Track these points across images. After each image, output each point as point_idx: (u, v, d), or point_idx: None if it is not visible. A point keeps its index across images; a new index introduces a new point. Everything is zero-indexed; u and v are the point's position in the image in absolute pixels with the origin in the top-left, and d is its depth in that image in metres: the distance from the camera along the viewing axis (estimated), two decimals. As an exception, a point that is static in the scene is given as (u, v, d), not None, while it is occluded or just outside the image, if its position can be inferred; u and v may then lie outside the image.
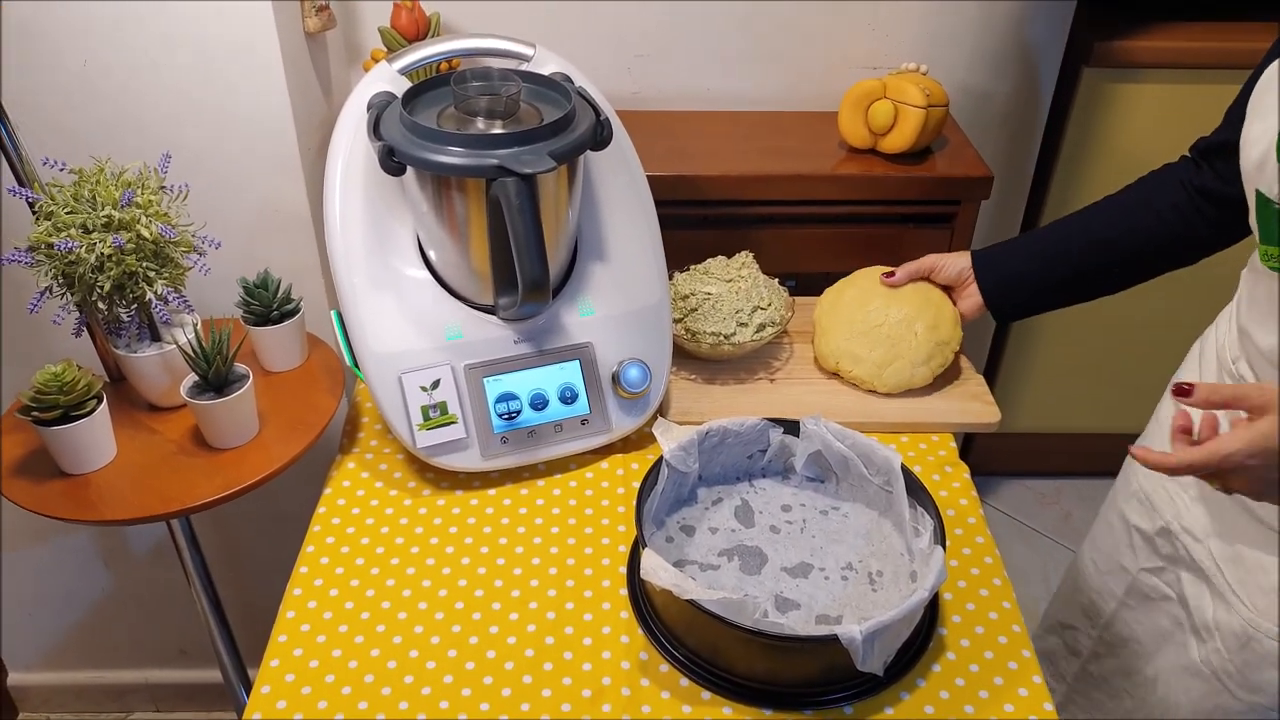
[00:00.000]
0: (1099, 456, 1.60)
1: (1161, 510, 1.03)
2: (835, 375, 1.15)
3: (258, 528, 1.54)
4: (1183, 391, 0.75)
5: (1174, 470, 0.76)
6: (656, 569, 0.82)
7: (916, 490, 0.94)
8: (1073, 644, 1.20)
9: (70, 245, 0.91)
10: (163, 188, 0.99)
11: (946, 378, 1.18)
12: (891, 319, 1.13)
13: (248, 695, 0.85)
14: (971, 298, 1.12)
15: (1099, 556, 1.15)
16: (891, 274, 1.09)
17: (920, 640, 0.88)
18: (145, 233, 0.94)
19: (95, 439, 0.99)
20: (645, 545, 0.86)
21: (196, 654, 1.72)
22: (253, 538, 1.56)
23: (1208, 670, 0.97)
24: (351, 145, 1.01)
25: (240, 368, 1.03)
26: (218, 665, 1.34)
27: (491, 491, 1.04)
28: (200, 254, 1.03)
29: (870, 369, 1.12)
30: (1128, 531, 1.09)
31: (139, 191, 0.95)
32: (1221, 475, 0.75)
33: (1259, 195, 0.80)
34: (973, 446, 2.16)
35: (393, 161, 0.93)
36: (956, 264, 1.10)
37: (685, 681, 0.85)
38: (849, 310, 1.16)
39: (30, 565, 1.57)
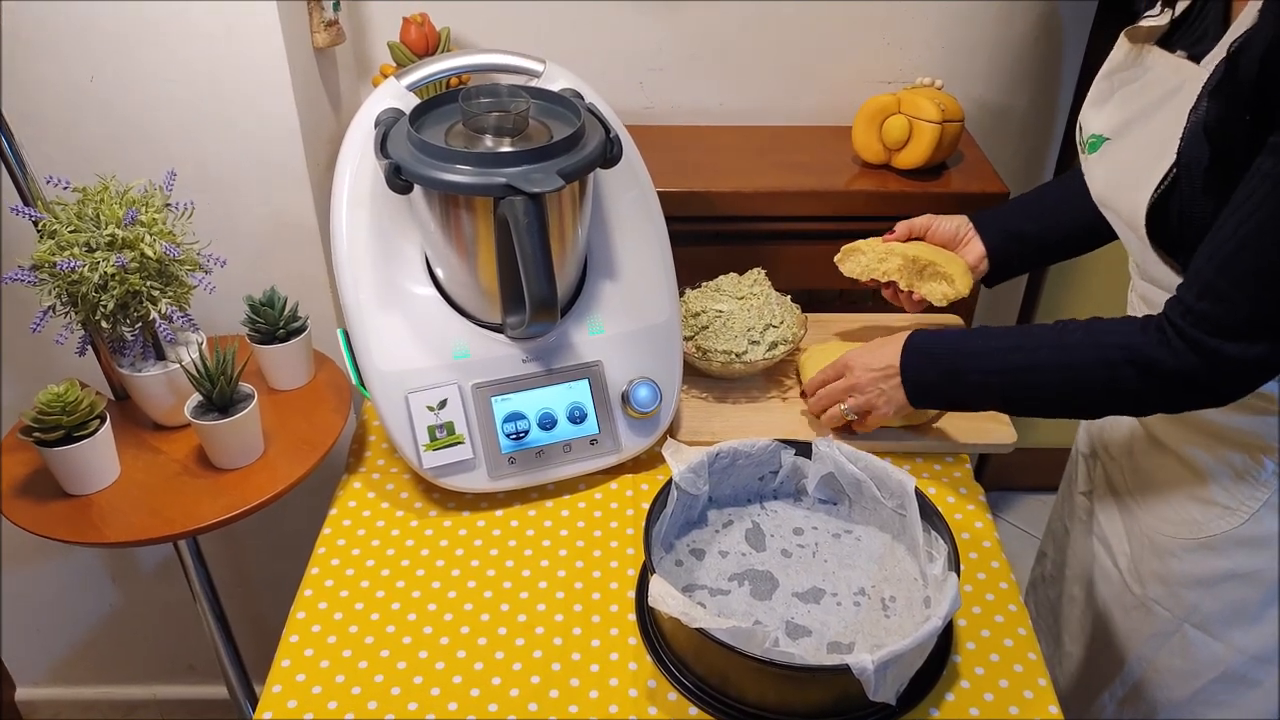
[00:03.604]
0: (1038, 470, 1.56)
1: (1095, 434, 1.14)
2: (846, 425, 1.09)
3: (265, 545, 1.53)
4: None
5: (812, 390, 1.07)
6: (664, 596, 0.81)
7: (930, 514, 0.92)
8: (1045, 571, 1.26)
9: (73, 264, 0.91)
10: (168, 205, 0.99)
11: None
12: None
13: (255, 712, 0.83)
14: (971, 250, 1.13)
15: (1064, 486, 1.24)
16: (892, 230, 1.12)
17: (934, 668, 0.86)
18: (149, 251, 0.93)
19: (98, 460, 0.98)
20: (653, 571, 0.84)
21: (205, 670, 1.71)
22: (260, 555, 1.55)
23: (1115, 573, 1.05)
24: (359, 162, 1.00)
25: (245, 387, 1.02)
26: (224, 682, 1.33)
27: (499, 512, 1.03)
28: (206, 272, 1.03)
29: None
30: (1076, 459, 1.19)
31: (143, 209, 0.95)
32: (860, 417, 1.03)
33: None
34: (989, 462, 2.13)
35: (399, 179, 0.92)
36: (952, 222, 1.13)
37: (694, 710, 0.83)
38: (836, 355, 1.13)
39: (36, 581, 1.56)
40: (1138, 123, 0.86)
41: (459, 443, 1.00)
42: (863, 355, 1.01)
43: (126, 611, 1.62)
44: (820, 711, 0.82)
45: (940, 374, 0.96)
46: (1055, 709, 0.84)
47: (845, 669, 0.76)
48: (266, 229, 1.24)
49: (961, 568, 0.88)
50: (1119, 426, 1.07)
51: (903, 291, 1.11)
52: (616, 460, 1.06)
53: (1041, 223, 1.10)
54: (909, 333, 0.98)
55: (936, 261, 1.06)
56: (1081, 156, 0.96)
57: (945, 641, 0.89)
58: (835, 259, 1.12)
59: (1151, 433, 1.00)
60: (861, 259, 1.11)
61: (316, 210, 1.23)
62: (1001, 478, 2.17)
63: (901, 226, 1.12)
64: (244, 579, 1.57)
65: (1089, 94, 0.95)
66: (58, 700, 1.74)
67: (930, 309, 1.15)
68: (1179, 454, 0.95)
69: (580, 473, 1.05)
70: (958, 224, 1.12)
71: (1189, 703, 1.01)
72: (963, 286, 1.05)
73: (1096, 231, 1.06)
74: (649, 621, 0.90)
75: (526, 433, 1.02)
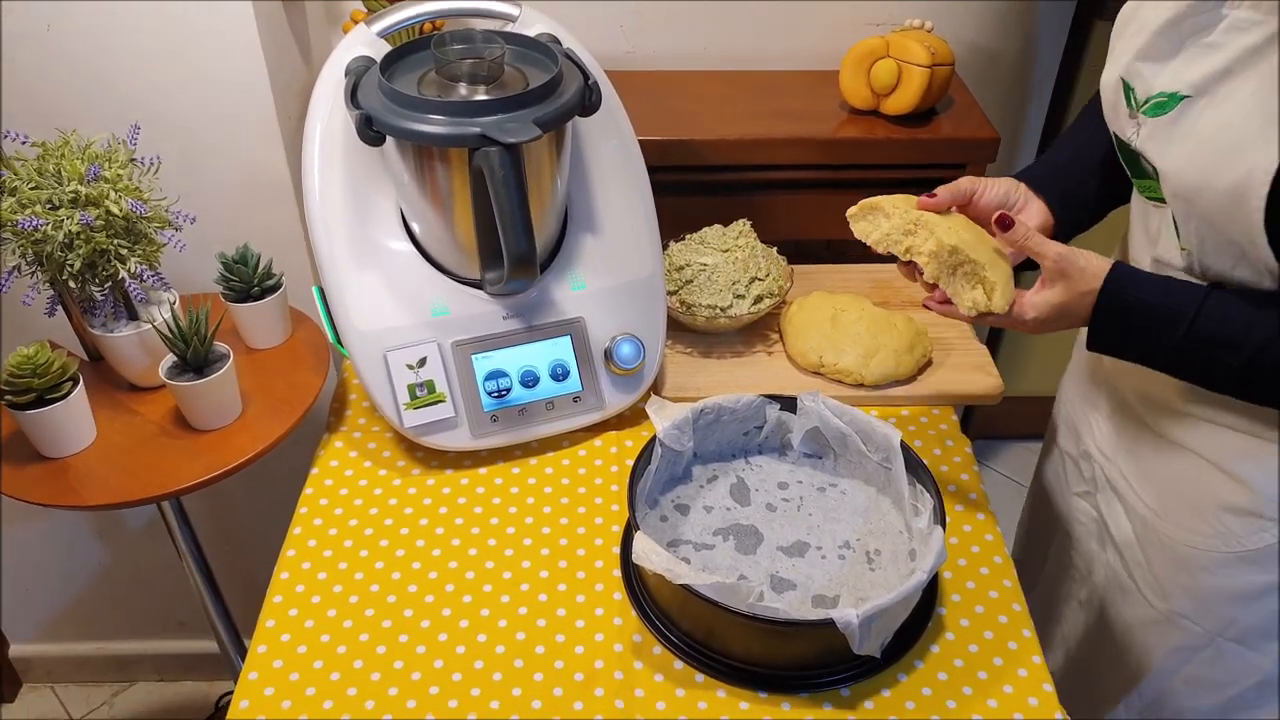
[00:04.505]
0: (1030, 419, 1.50)
1: (1081, 434, 1.05)
2: (817, 373, 1.11)
3: (250, 502, 1.52)
4: (1004, 224, 0.83)
5: (974, 322, 0.87)
6: (649, 553, 0.80)
7: (916, 467, 0.92)
8: (1030, 578, 1.18)
9: (35, 223, 0.88)
10: (133, 160, 0.96)
11: (947, 348, 1.15)
12: (868, 314, 1.12)
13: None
14: (1034, 216, 0.94)
15: (1046, 487, 1.15)
16: (932, 194, 0.89)
17: (919, 620, 0.86)
18: (114, 209, 0.90)
19: (73, 422, 0.96)
20: (637, 528, 0.84)
21: (196, 625, 1.71)
22: (246, 512, 1.54)
23: (1131, 584, 0.98)
24: (330, 113, 0.97)
25: (220, 347, 1.00)
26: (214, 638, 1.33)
27: (482, 470, 1.02)
28: (176, 229, 1.00)
29: (854, 360, 1.09)
30: (1062, 459, 1.10)
31: (106, 165, 0.91)
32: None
33: (1118, 140, 0.85)
34: (976, 410, 2.13)
35: (371, 131, 0.89)
36: (999, 186, 0.93)
37: (679, 664, 0.84)
38: (820, 310, 1.14)
39: (23, 541, 1.55)
40: (1238, 74, 0.73)
41: (440, 401, 0.98)
42: (1046, 325, 0.84)
43: (115, 569, 1.62)
44: (805, 665, 0.83)
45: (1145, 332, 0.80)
46: (1039, 659, 0.84)
47: (830, 623, 0.76)
48: (238, 184, 1.21)
49: (947, 520, 0.88)
50: (1114, 427, 0.98)
51: (921, 277, 0.87)
52: (600, 417, 1.05)
53: (1102, 172, 0.93)
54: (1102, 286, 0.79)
55: (979, 262, 0.83)
56: (1126, 124, 0.82)
57: (930, 594, 0.89)
58: (848, 213, 0.89)
59: (1168, 436, 0.90)
60: (883, 224, 0.87)
61: (289, 163, 1.20)
62: (988, 426, 2.17)
63: (944, 192, 0.89)
64: (230, 536, 1.56)
65: (1135, 46, 0.80)
66: (52, 656, 1.75)
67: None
68: (1213, 462, 0.86)
69: (564, 430, 1.04)
70: (1006, 189, 0.92)
71: (1220, 708, 0.96)
72: (1001, 301, 0.83)
73: None
74: (634, 577, 0.90)
75: (508, 390, 1.01)
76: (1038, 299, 0.83)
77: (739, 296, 1.13)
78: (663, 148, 1.27)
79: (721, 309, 1.12)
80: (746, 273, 1.14)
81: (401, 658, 0.84)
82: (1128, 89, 0.82)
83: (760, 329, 1.18)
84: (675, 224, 1.16)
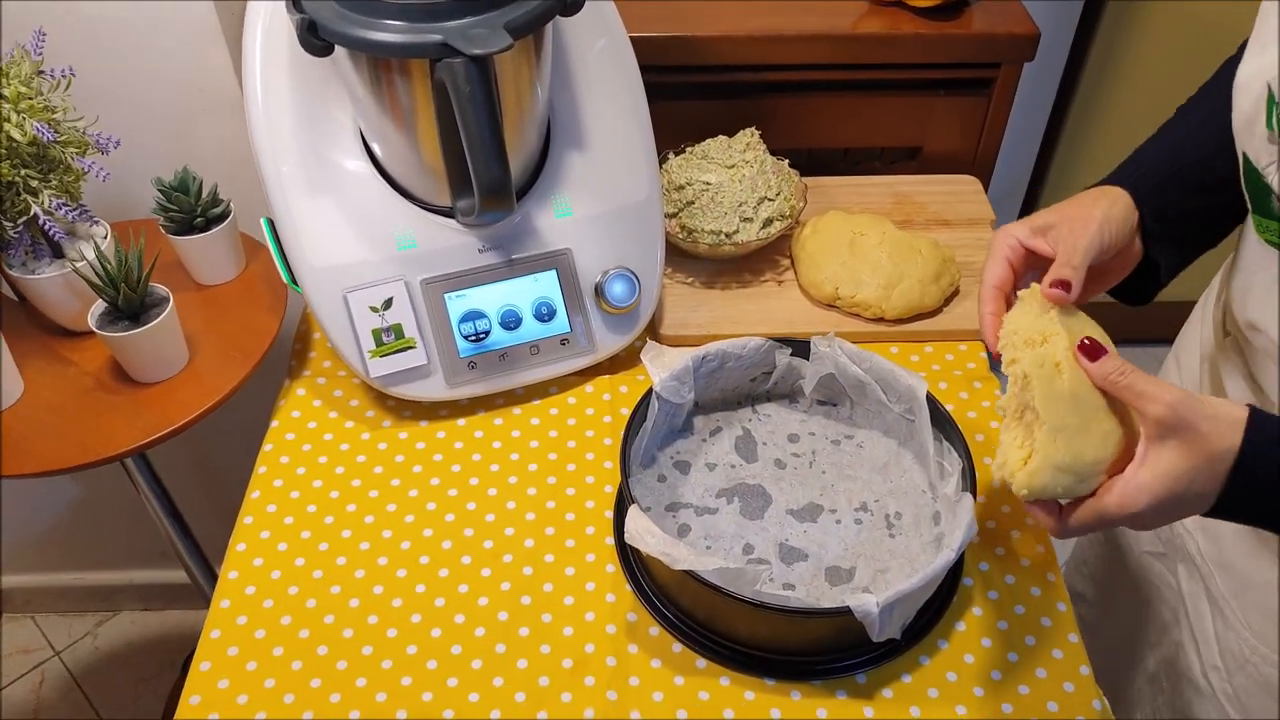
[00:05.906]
0: (1146, 322, 1.30)
1: None
2: (832, 306, 1.00)
3: (219, 438, 1.42)
4: (1090, 353, 0.59)
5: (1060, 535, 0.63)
6: (643, 534, 0.71)
7: (943, 423, 0.82)
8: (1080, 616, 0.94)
9: (-79, 155, 0.75)
10: (40, 73, 0.82)
11: (977, 276, 1.04)
12: (889, 238, 1.00)
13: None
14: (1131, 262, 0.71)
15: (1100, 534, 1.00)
16: (1064, 285, 0.63)
17: (943, 595, 0.78)
18: (17, 134, 0.77)
19: (-7, 378, 0.85)
20: (632, 501, 0.74)
21: (175, 556, 1.66)
22: (215, 448, 1.45)
23: (1207, 687, 0.80)
24: (273, 11, 0.83)
25: (158, 289, 0.88)
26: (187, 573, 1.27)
27: (461, 422, 0.92)
28: (101, 153, 0.87)
29: (874, 292, 0.97)
30: None
31: (5, 82, 0.78)
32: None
33: (1246, 160, 0.61)
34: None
35: (316, 39, 0.75)
36: (1125, 219, 0.68)
37: (678, 647, 0.76)
38: (836, 234, 1.01)
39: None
40: None
41: (410, 347, 0.88)
42: (1160, 511, 0.58)
43: (89, 502, 1.55)
44: (818, 649, 0.75)
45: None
46: (1075, 638, 0.76)
47: (847, 611, 0.68)
48: (178, 96, 1.06)
49: (975, 475, 0.78)
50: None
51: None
52: (591, 361, 0.94)
53: (1216, 195, 0.68)
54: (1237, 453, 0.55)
55: (1039, 412, 0.59)
56: (1262, 148, 0.60)
57: (956, 564, 0.80)
58: (1020, 294, 0.67)
59: (1270, 544, 0.71)
60: (1025, 318, 0.65)
61: (236, 71, 1.05)
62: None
63: (1074, 274, 0.63)
64: (204, 469, 1.48)
65: (1254, 28, 0.60)
66: (29, 587, 1.70)
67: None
68: None
69: (550, 376, 0.93)
70: (1133, 221, 0.69)
71: None
72: (1024, 479, 0.60)
73: None
74: (629, 547, 0.81)
75: (487, 333, 0.90)
76: (1149, 474, 0.56)
77: (746, 220, 1.01)
78: (659, 46, 1.12)
79: (726, 235, 1.00)
80: (755, 192, 1.01)
81: (371, 642, 0.76)
82: (1272, 102, 0.58)
83: (769, 254, 1.06)
84: (673, 133, 1.03)
